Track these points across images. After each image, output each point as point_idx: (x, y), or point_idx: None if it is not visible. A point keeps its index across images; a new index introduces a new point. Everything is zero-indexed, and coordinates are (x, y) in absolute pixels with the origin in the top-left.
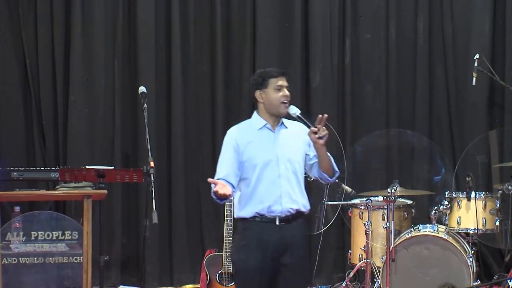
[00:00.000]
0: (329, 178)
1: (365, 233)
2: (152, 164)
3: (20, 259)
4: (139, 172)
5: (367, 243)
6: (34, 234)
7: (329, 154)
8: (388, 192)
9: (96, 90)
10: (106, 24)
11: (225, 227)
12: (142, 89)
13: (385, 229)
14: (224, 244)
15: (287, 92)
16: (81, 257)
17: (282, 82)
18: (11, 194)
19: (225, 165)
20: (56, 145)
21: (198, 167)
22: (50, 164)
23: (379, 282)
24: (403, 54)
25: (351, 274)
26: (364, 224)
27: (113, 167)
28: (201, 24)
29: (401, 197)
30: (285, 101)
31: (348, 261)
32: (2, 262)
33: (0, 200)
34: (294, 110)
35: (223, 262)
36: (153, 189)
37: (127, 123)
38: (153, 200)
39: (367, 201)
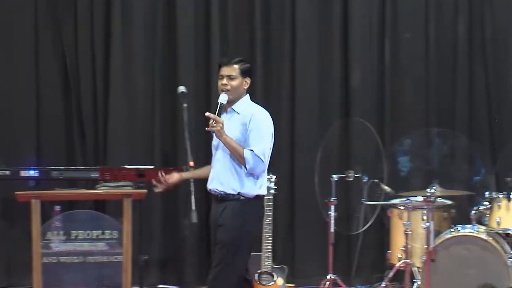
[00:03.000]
0: (245, 169)
1: (405, 233)
2: (191, 163)
3: (60, 258)
4: (179, 172)
5: (406, 243)
6: (74, 233)
7: (234, 145)
8: (428, 192)
9: (135, 90)
10: (146, 23)
11: (264, 226)
12: (181, 88)
13: (424, 229)
14: (262, 244)
15: (224, 81)
16: (121, 256)
17: (224, 70)
18: (51, 193)
19: None
20: (96, 144)
21: None
22: (90, 164)
23: (419, 283)
24: (443, 54)
25: (390, 274)
26: (404, 224)
27: (152, 167)
28: (240, 24)
29: (441, 197)
30: (223, 89)
31: (387, 261)
32: (42, 261)
33: (41, 199)
34: (220, 99)
35: (263, 262)
36: (192, 189)
37: (167, 123)
38: (192, 200)
39: (407, 201)
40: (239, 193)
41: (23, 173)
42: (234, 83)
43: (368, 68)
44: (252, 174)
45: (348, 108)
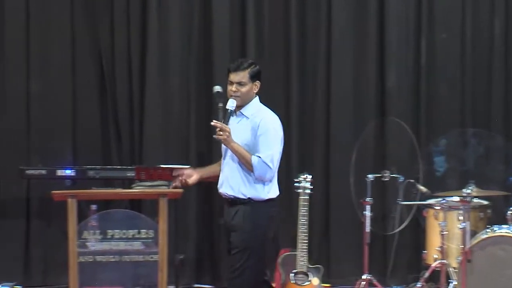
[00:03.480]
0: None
1: (440, 233)
2: None
3: (96, 257)
4: None
5: (442, 243)
6: (110, 232)
7: (242, 152)
8: (464, 193)
9: (171, 90)
10: (182, 23)
11: (299, 226)
12: (217, 88)
13: (460, 229)
14: (298, 244)
15: (233, 88)
16: (157, 256)
17: (233, 77)
18: (87, 192)
19: None
20: (131, 144)
21: None
22: (126, 163)
23: (454, 283)
24: (479, 54)
25: (426, 275)
26: (439, 224)
27: (188, 166)
28: (276, 24)
29: (477, 197)
30: (232, 96)
31: (423, 261)
32: (79, 260)
33: (77, 199)
34: (228, 104)
35: (298, 262)
36: None
37: (202, 123)
38: None
39: (443, 201)
40: (249, 198)
41: (60, 173)
42: (244, 89)
43: (404, 68)
44: (261, 181)
45: (383, 108)
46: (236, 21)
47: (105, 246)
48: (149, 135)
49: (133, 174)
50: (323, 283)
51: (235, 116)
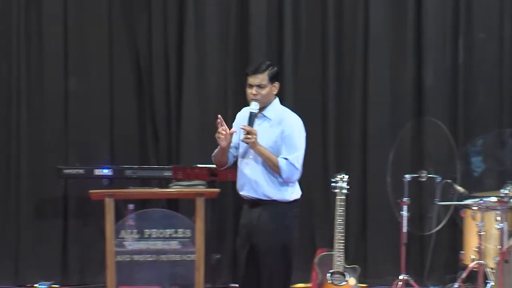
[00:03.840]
0: (280, 177)
1: (478, 234)
2: None
3: (133, 256)
4: None
5: (479, 244)
6: (147, 231)
7: (268, 154)
8: (501, 193)
9: (208, 89)
10: (219, 22)
11: (336, 226)
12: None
13: (498, 230)
14: (335, 244)
15: (253, 91)
16: (194, 255)
17: (252, 80)
18: (125, 192)
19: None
20: (169, 143)
21: (309, 166)
22: (163, 163)
23: (492, 284)
24: None
25: (464, 275)
26: (477, 225)
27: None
28: (313, 24)
29: None
30: (252, 98)
31: (460, 262)
32: (116, 260)
33: (115, 198)
34: (251, 108)
35: (335, 262)
36: None
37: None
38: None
39: (480, 201)
40: (274, 200)
41: (97, 172)
42: (264, 91)
43: (441, 68)
44: (286, 182)
45: (421, 108)
46: (273, 20)
47: (142, 245)
48: (186, 135)
49: (170, 174)
50: (359, 283)
51: (256, 119)
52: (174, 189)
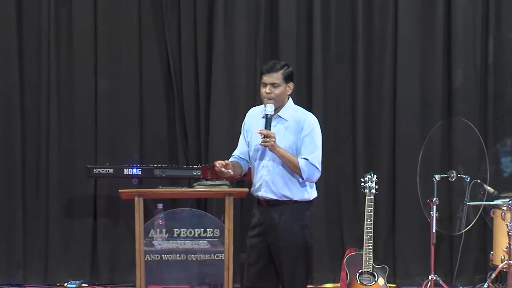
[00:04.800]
0: (300, 178)
1: (508, 234)
2: None
3: (162, 255)
4: None
5: (509, 244)
6: (177, 231)
7: (288, 156)
8: None
9: (237, 89)
10: (248, 24)
11: (365, 226)
12: None
13: None
14: (364, 244)
15: (267, 90)
16: (222, 255)
17: (267, 78)
18: (154, 191)
19: (238, 145)
20: (198, 143)
21: (338, 166)
22: (192, 162)
23: None
24: None
25: (493, 275)
26: (507, 225)
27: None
28: (342, 24)
29: None
30: (266, 98)
31: (489, 262)
32: (145, 259)
33: (144, 197)
34: (267, 110)
35: (364, 262)
36: None
37: None
38: None
39: (510, 202)
40: (294, 200)
41: (127, 171)
42: (278, 91)
43: (471, 67)
44: (305, 182)
45: (450, 108)
46: (302, 21)
47: (172, 244)
48: (215, 134)
49: (199, 173)
50: (388, 283)
51: (275, 120)
52: (200, 188)
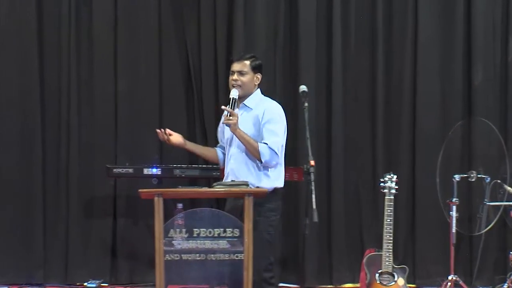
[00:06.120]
0: (259, 162)
1: None
2: (312, 163)
3: (182, 255)
4: (300, 171)
5: None
6: (196, 231)
7: (248, 139)
8: None
9: None
10: (268, 23)
11: (384, 226)
12: (302, 88)
13: None
14: (384, 244)
15: (234, 77)
16: (242, 255)
17: (235, 66)
18: (174, 191)
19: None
20: (217, 143)
21: (357, 166)
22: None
23: None
24: None
25: None
26: None
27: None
28: (362, 21)
29: None
30: (233, 84)
31: (510, 262)
32: (165, 259)
33: (164, 197)
34: (231, 94)
35: (383, 262)
36: (313, 188)
37: (287, 122)
38: (313, 199)
39: None
40: (257, 187)
41: (146, 171)
42: (245, 78)
43: (491, 67)
44: (266, 168)
45: (470, 107)
46: (322, 19)
47: (191, 244)
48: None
49: (219, 173)
50: (408, 283)
51: (238, 109)
52: (219, 188)
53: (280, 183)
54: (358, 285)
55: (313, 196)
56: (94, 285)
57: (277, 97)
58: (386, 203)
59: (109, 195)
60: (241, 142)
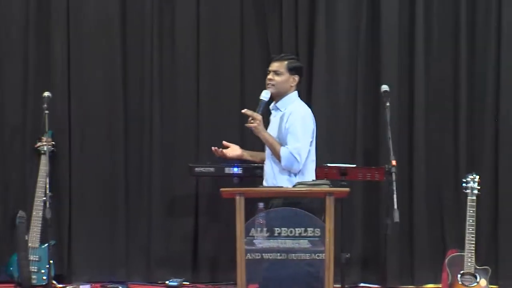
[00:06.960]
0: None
1: None
2: (394, 162)
3: (263, 254)
4: (381, 171)
5: None
6: (277, 230)
7: (272, 141)
8: None
9: (338, 88)
10: (350, 22)
11: (466, 227)
12: (384, 87)
13: None
14: (466, 244)
15: (269, 76)
16: (323, 254)
17: (271, 66)
18: (255, 190)
19: None
20: None
21: (440, 165)
22: None
23: None
24: None
25: None
26: None
27: (355, 165)
28: (445, 22)
29: None
30: (267, 84)
31: None
32: (246, 258)
33: (245, 196)
34: (262, 95)
35: (465, 263)
36: (394, 188)
37: (369, 122)
38: (394, 199)
39: None
40: None
41: (228, 170)
42: (279, 78)
43: None
44: (290, 172)
45: None
46: (404, 20)
47: (272, 243)
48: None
49: None
50: (490, 284)
51: (272, 110)
52: (301, 187)
53: None
54: (440, 285)
55: (395, 196)
56: (175, 284)
57: (358, 97)
58: (469, 203)
59: (190, 194)
60: (266, 144)
